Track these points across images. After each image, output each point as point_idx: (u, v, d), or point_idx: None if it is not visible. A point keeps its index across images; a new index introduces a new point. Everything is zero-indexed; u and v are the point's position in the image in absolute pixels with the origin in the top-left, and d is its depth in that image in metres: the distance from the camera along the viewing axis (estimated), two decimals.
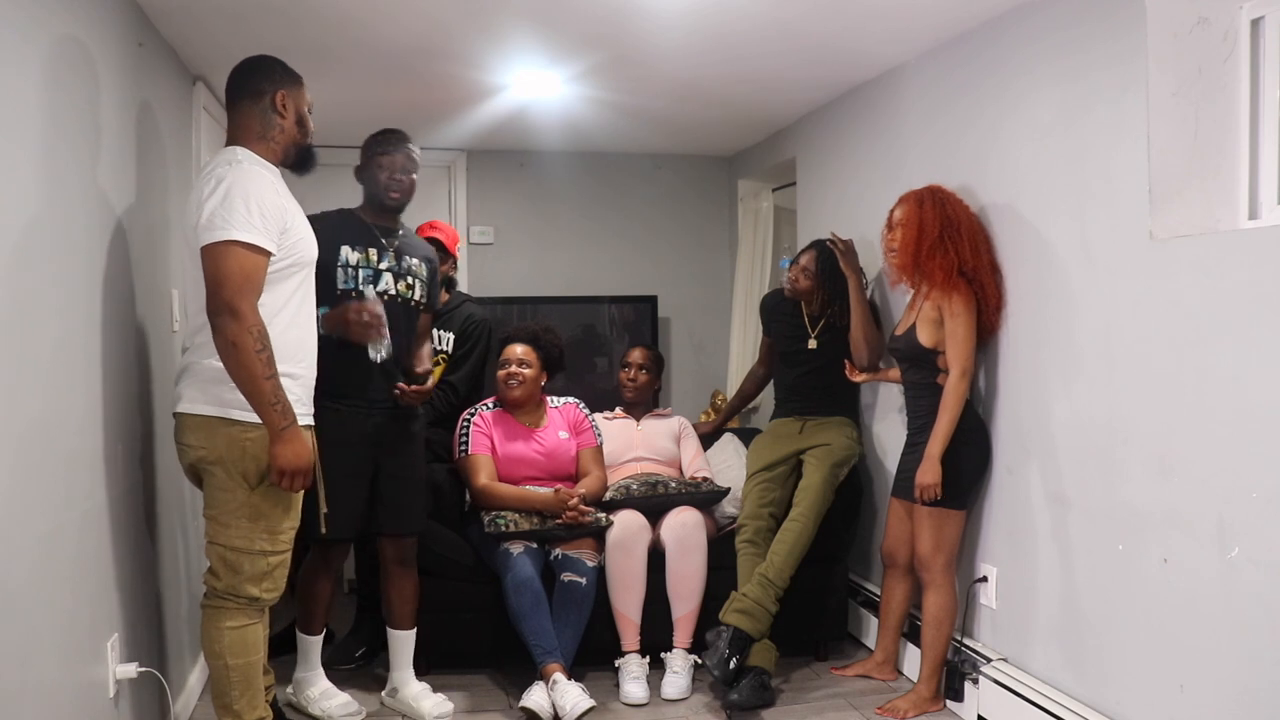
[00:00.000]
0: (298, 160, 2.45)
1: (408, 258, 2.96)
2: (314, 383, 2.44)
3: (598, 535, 3.37)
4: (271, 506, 2.28)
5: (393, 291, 2.90)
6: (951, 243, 2.83)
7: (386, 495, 2.94)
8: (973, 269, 2.83)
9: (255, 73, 2.39)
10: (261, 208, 2.18)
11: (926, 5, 2.81)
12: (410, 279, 2.95)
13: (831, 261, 3.50)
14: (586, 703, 2.90)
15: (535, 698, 2.96)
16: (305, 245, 2.34)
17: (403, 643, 3.08)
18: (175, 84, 3.14)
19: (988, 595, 2.98)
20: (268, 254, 2.21)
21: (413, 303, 2.96)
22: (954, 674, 2.99)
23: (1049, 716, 2.59)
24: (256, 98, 2.36)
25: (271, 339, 2.18)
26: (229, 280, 2.14)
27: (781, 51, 3.25)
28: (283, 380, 2.21)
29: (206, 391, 2.25)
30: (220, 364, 2.19)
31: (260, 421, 2.22)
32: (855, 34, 3.08)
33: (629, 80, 3.60)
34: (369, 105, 3.78)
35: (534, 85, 3.60)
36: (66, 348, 2.04)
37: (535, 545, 3.32)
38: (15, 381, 1.79)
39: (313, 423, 2.42)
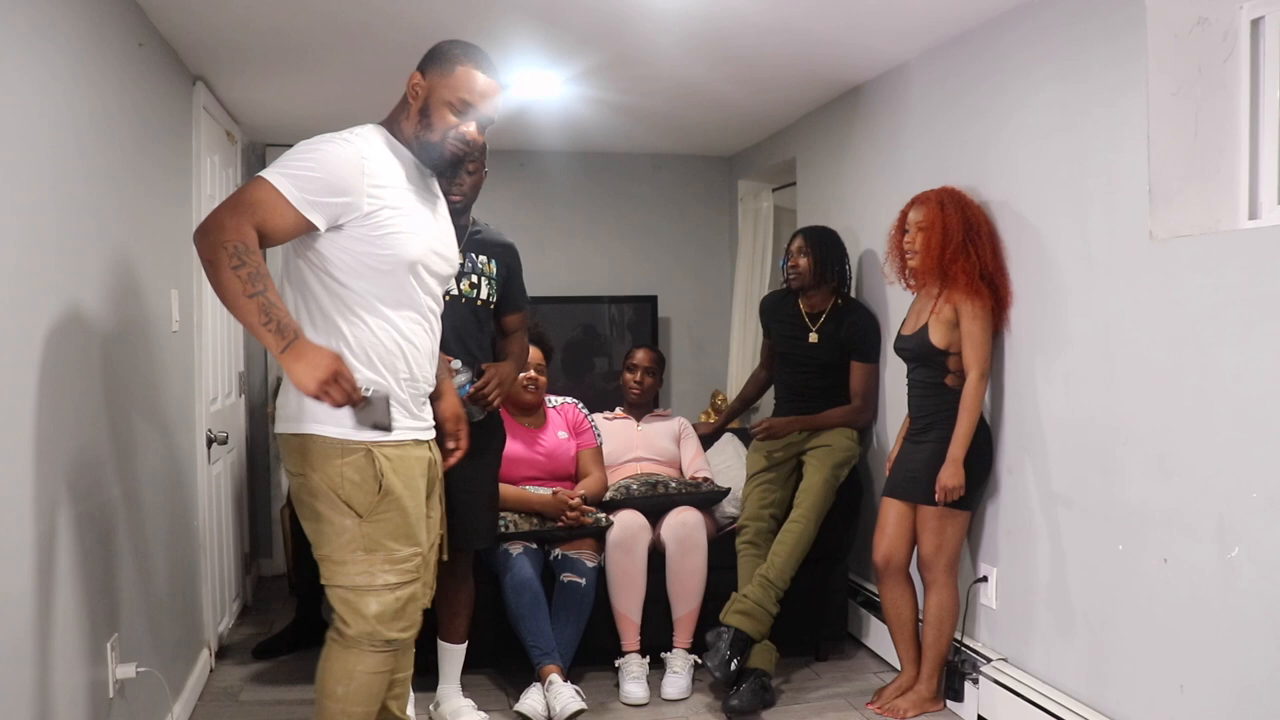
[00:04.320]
0: (421, 157, 2.12)
1: (475, 255, 2.84)
2: (420, 389, 2.14)
3: (597, 535, 3.37)
4: (387, 535, 2.01)
5: (455, 291, 2.77)
6: (974, 246, 2.82)
7: (458, 507, 2.75)
8: (992, 272, 2.83)
9: (428, 52, 2.14)
10: (316, 168, 1.92)
11: (926, 5, 2.81)
12: (476, 278, 2.83)
13: (822, 236, 3.55)
14: (576, 704, 2.90)
15: (530, 701, 2.96)
16: (396, 241, 2.00)
17: (449, 656, 2.97)
18: (175, 84, 3.14)
19: (988, 595, 2.98)
20: (294, 209, 1.90)
21: (479, 302, 2.84)
22: (954, 674, 2.99)
23: (1049, 716, 2.59)
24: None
25: (368, 340, 2.01)
26: (228, 201, 1.92)
27: (781, 51, 3.25)
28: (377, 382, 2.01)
29: (290, 403, 2.02)
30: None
31: (359, 439, 1.98)
32: (855, 34, 3.08)
33: (629, 80, 3.60)
34: (370, 105, 3.76)
35: (534, 85, 3.60)
36: (65, 348, 2.04)
37: (535, 545, 3.32)
38: (14, 382, 1.79)
39: (423, 437, 2.16)
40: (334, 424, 1.97)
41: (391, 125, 2.12)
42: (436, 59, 2.10)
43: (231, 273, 1.83)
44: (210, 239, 1.85)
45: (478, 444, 2.81)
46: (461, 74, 2.07)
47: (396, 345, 2.05)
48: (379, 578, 2.01)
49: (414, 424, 2.12)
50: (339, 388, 1.85)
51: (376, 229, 1.98)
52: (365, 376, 1.98)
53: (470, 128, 2.09)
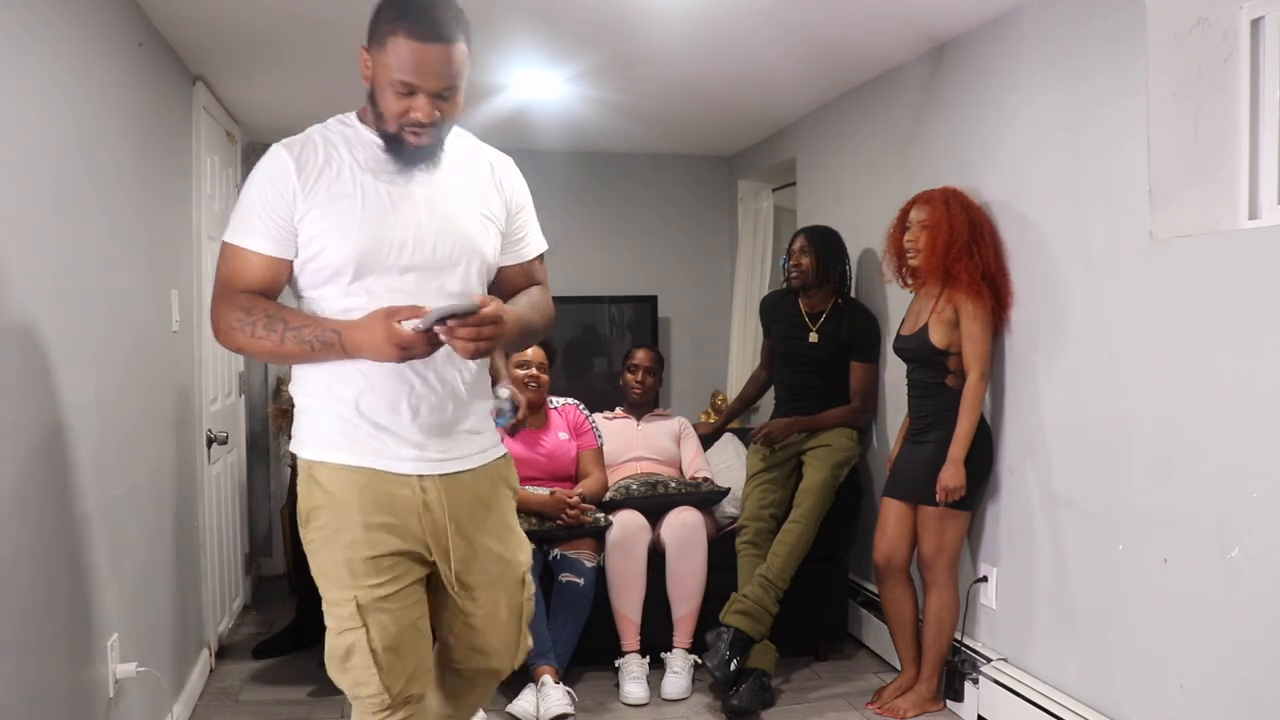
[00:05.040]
0: (389, 152, 1.78)
1: None
2: (383, 409, 1.77)
3: (597, 535, 3.37)
4: (318, 569, 1.79)
5: None
6: (978, 247, 2.82)
7: None
8: (994, 272, 2.83)
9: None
10: (255, 201, 1.73)
11: (927, 5, 2.81)
12: None
13: (824, 235, 3.55)
14: (561, 707, 2.91)
15: (521, 702, 2.97)
16: (323, 244, 1.73)
17: None
18: (175, 84, 3.14)
19: (988, 595, 2.98)
20: (260, 255, 1.73)
21: None
22: (954, 674, 2.99)
23: (1049, 716, 2.59)
24: None
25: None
26: (213, 289, 1.78)
27: (782, 51, 3.25)
28: (316, 405, 1.79)
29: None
30: (299, 397, 1.82)
31: (306, 457, 1.79)
32: (856, 34, 3.07)
33: (629, 80, 3.60)
34: None
35: (534, 85, 3.60)
36: (66, 348, 2.04)
37: (533, 546, 3.32)
38: (14, 382, 1.79)
39: (397, 469, 1.78)
40: (299, 444, 1.82)
41: (364, 110, 1.86)
42: (371, 28, 1.72)
43: (254, 339, 1.71)
44: (220, 331, 1.75)
45: None
46: (393, 48, 1.67)
47: (368, 364, 1.73)
48: (328, 618, 1.80)
49: (377, 448, 1.76)
50: (415, 341, 1.63)
51: (309, 231, 1.73)
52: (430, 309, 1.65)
53: (421, 110, 1.70)
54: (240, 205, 1.76)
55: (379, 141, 1.78)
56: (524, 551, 1.95)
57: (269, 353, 1.73)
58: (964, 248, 2.81)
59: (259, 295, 1.74)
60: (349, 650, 1.77)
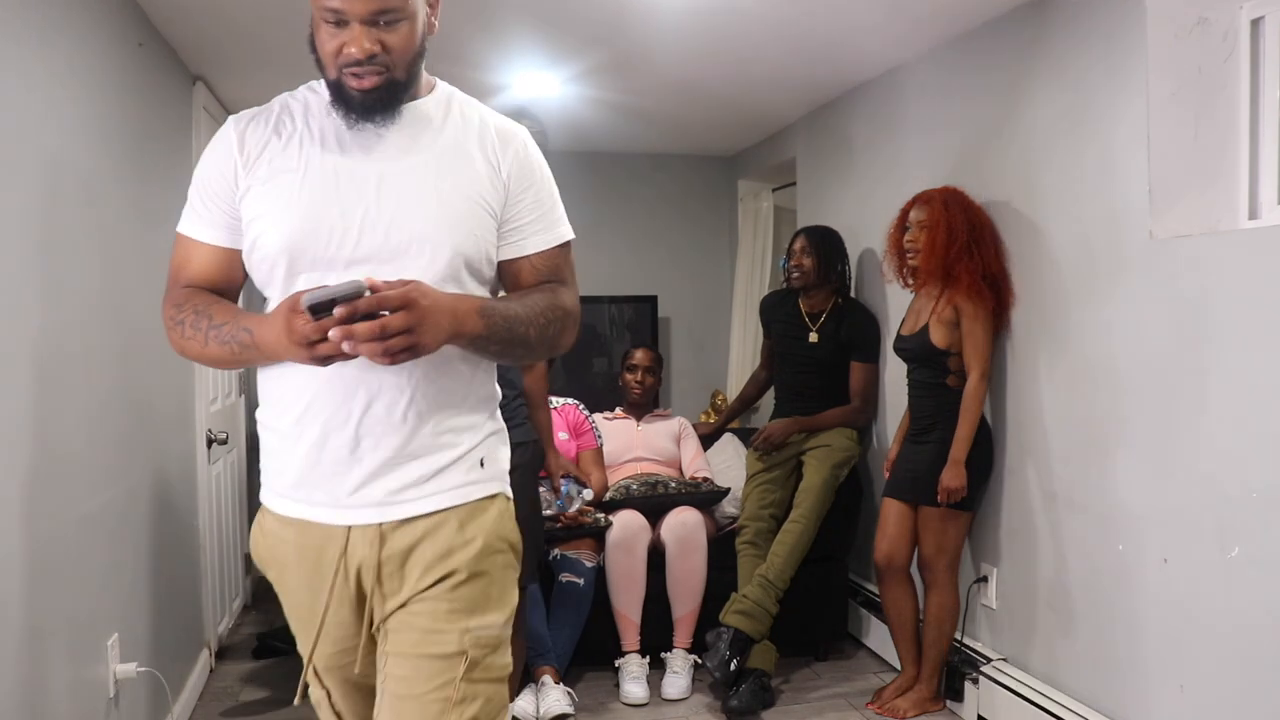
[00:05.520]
0: (339, 107, 1.44)
1: None
2: (307, 441, 1.44)
3: (597, 535, 3.37)
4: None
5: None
6: (978, 247, 2.81)
7: None
8: (995, 273, 2.83)
9: None
10: (198, 183, 1.50)
11: (927, 5, 2.81)
12: None
13: (825, 235, 3.56)
14: (560, 707, 2.91)
15: (521, 702, 2.97)
16: (257, 231, 1.44)
17: None
18: (175, 84, 3.14)
19: (988, 595, 2.98)
20: (201, 243, 1.50)
21: None
22: (954, 674, 2.99)
23: (1049, 716, 2.59)
24: None
25: (274, 371, 1.47)
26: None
27: (781, 51, 3.25)
28: (262, 435, 1.53)
29: None
30: (259, 434, 1.54)
31: (264, 505, 1.54)
32: (855, 34, 3.07)
33: (629, 80, 3.60)
34: None
35: (534, 85, 3.60)
36: (65, 348, 2.04)
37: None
38: (14, 382, 1.79)
39: (335, 519, 1.46)
40: (266, 492, 1.55)
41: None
42: None
43: (185, 339, 1.46)
44: (167, 330, 1.51)
45: None
46: None
47: (305, 381, 1.43)
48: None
49: (306, 494, 1.47)
50: (310, 333, 1.28)
51: (247, 214, 1.46)
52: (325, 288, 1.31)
53: (354, 43, 1.38)
54: (192, 183, 1.52)
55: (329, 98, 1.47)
56: (476, 619, 1.46)
57: (200, 356, 1.46)
58: (964, 248, 2.81)
59: (200, 290, 1.50)
60: (318, 702, 1.63)
